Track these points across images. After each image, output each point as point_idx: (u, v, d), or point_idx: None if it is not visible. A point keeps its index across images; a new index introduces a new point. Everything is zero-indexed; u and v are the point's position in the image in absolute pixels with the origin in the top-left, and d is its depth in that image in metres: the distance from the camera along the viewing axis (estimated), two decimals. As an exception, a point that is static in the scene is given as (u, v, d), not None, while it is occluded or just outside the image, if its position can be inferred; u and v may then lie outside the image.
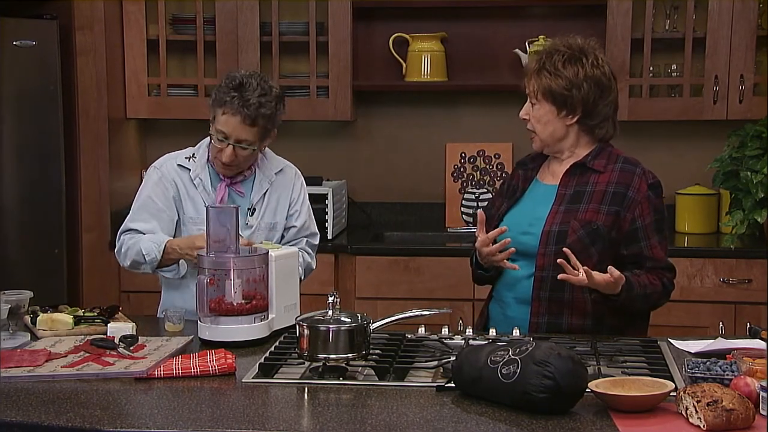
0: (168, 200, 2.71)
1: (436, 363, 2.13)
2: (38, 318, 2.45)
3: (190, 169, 2.73)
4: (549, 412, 1.82)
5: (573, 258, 2.35)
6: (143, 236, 2.66)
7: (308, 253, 2.87)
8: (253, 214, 2.74)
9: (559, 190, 2.53)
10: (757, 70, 3.90)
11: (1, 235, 3.85)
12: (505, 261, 2.47)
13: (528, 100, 2.54)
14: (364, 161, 4.38)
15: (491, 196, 2.81)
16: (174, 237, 2.72)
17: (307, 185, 3.90)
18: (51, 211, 3.92)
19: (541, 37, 4.03)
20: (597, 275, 2.34)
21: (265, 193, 2.76)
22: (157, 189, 2.71)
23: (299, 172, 2.89)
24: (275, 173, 2.80)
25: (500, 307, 2.58)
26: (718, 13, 3.87)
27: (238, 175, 2.73)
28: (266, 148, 2.80)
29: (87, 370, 2.10)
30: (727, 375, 1.93)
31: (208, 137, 2.71)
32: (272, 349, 2.29)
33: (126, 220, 2.73)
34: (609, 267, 2.35)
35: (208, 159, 2.74)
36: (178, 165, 2.74)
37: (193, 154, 2.76)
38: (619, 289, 2.38)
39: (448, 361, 2.08)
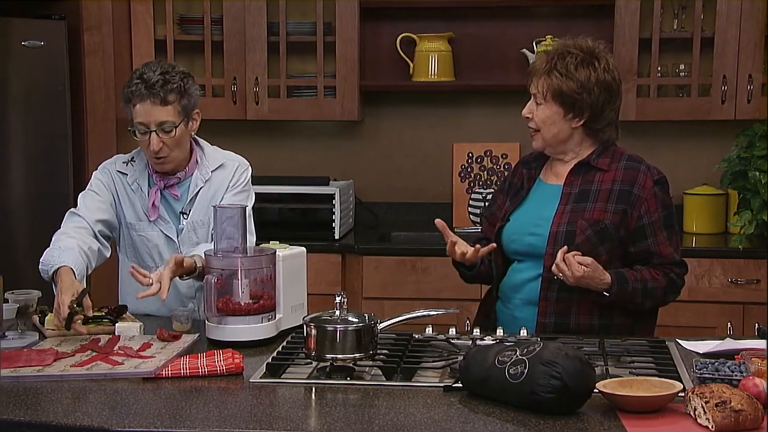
0: (109, 204, 2.67)
1: (443, 363, 2.13)
2: (46, 318, 2.46)
3: (128, 174, 2.69)
4: (557, 413, 1.81)
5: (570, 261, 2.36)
6: (62, 244, 2.48)
7: None
8: (187, 217, 2.69)
9: (564, 189, 2.53)
10: (765, 69, 3.89)
11: (9, 235, 3.87)
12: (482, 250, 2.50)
13: (532, 98, 2.53)
14: (371, 161, 4.38)
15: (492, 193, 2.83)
16: (119, 243, 2.70)
17: (314, 185, 3.96)
18: (58, 211, 3.89)
19: (549, 36, 4.02)
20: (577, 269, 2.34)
21: (197, 193, 2.69)
22: (101, 189, 2.67)
23: (243, 164, 2.75)
24: (212, 170, 2.70)
25: (507, 309, 2.58)
26: (726, 12, 3.86)
27: (171, 177, 2.67)
28: (207, 146, 2.75)
29: (96, 370, 2.11)
30: (736, 376, 1.93)
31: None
32: (280, 349, 2.29)
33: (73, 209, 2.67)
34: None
35: (147, 163, 2.69)
36: (118, 171, 2.70)
37: (132, 158, 2.72)
38: (609, 282, 2.38)
39: (456, 361, 2.08)
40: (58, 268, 2.41)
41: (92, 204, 2.66)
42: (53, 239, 2.55)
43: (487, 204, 4.10)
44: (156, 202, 2.67)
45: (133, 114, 2.58)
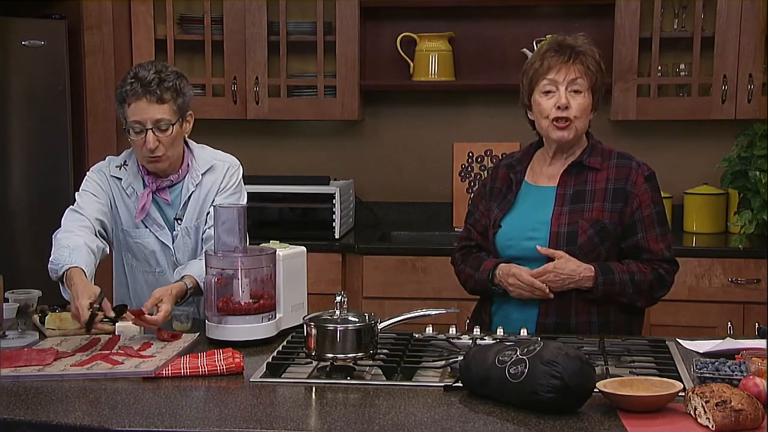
0: (107, 207, 2.64)
1: (443, 363, 2.13)
2: (47, 317, 2.46)
3: (122, 179, 2.66)
4: (557, 412, 1.81)
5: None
6: (70, 243, 2.45)
7: None
8: (181, 223, 2.66)
9: (559, 190, 2.52)
10: (766, 69, 3.89)
11: (10, 235, 3.87)
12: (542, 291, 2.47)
13: (565, 88, 2.46)
14: (372, 161, 4.38)
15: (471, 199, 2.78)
16: (113, 245, 2.68)
17: (314, 185, 3.96)
18: (59, 210, 3.89)
19: (549, 36, 4.02)
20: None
21: (189, 197, 2.66)
22: (98, 192, 2.64)
23: (234, 166, 2.71)
24: (202, 173, 2.67)
25: (506, 309, 2.57)
26: (726, 12, 3.86)
27: (164, 180, 2.63)
28: (196, 147, 2.71)
29: (96, 369, 2.11)
30: (736, 375, 1.93)
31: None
32: (280, 348, 2.29)
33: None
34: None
35: (139, 166, 2.65)
36: (112, 176, 2.66)
37: (125, 161, 2.68)
38: (591, 275, 2.40)
39: (456, 361, 2.08)
40: (69, 269, 2.37)
41: (91, 204, 2.62)
42: (57, 237, 2.51)
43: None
44: (147, 204, 2.63)
45: (128, 113, 2.54)
